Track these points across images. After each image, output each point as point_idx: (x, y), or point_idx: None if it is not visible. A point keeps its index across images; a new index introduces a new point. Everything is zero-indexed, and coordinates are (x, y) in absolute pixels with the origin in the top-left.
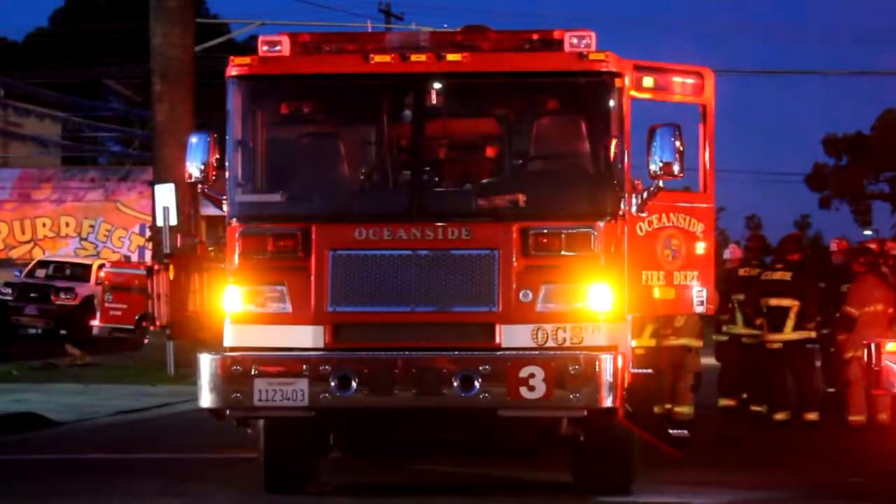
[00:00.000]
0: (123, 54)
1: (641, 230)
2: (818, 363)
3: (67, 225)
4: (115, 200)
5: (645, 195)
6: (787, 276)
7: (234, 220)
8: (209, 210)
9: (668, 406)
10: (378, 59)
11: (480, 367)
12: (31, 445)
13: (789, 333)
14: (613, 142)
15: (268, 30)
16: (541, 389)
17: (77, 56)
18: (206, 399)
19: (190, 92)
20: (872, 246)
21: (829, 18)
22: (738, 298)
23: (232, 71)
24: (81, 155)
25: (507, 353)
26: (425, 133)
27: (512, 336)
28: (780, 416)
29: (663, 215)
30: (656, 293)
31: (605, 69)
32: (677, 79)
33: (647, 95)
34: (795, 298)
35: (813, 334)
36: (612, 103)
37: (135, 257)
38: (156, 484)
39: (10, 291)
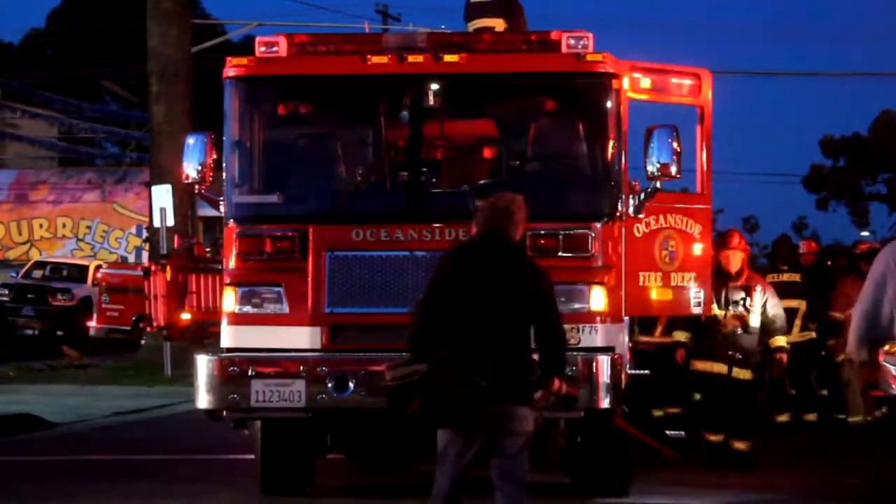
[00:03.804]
0: (120, 55)
1: (639, 231)
2: None
3: (64, 226)
4: (111, 201)
5: (642, 196)
6: (796, 277)
7: (232, 221)
8: (206, 211)
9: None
10: (375, 59)
11: None
12: (28, 447)
13: (796, 335)
14: (611, 143)
15: (264, 31)
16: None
17: (73, 57)
18: (203, 400)
19: (187, 93)
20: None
21: (826, 20)
22: None
23: (229, 72)
24: (78, 156)
25: None
26: (423, 134)
27: None
28: (782, 418)
29: (661, 216)
30: (653, 294)
31: (602, 70)
32: (675, 80)
33: (644, 97)
34: (804, 299)
35: (814, 335)
36: (609, 104)
37: (132, 258)
38: (153, 485)
39: (7, 292)
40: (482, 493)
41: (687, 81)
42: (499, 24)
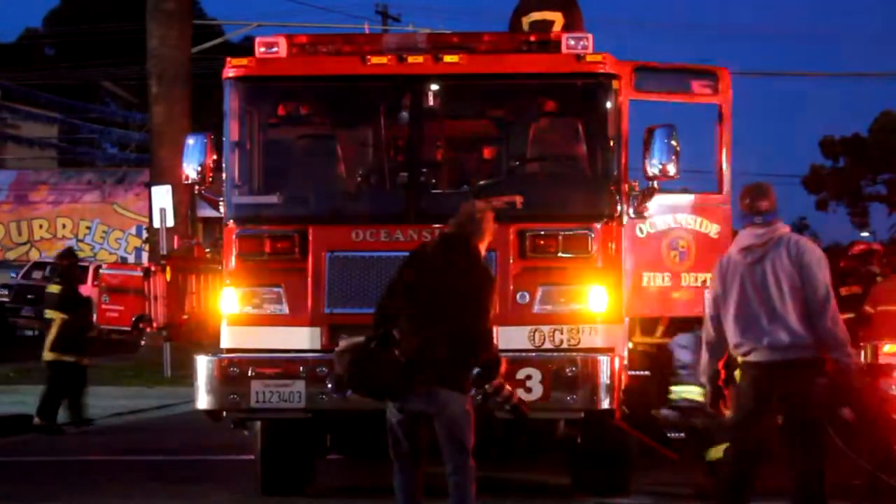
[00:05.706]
0: (120, 56)
1: (651, 228)
2: None
3: (64, 227)
4: (111, 202)
5: (642, 197)
6: None
7: (231, 221)
8: (206, 212)
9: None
10: (375, 60)
11: None
12: (28, 447)
13: None
14: (610, 143)
15: (264, 31)
16: (538, 391)
17: (72, 58)
18: (203, 401)
19: (187, 94)
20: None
21: (826, 21)
22: None
23: (229, 72)
24: (78, 157)
25: (504, 354)
26: (422, 135)
27: (509, 338)
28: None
29: (677, 216)
30: (671, 294)
31: (601, 71)
32: (693, 79)
33: (657, 98)
34: None
35: None
36: (609, 105)
37: (132, 259)
38: (152, 485)
39: (7, 293)
40: (478, 495)
41: (705, 80)
42: (557, 19)
